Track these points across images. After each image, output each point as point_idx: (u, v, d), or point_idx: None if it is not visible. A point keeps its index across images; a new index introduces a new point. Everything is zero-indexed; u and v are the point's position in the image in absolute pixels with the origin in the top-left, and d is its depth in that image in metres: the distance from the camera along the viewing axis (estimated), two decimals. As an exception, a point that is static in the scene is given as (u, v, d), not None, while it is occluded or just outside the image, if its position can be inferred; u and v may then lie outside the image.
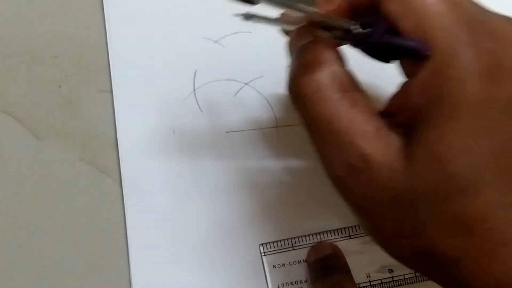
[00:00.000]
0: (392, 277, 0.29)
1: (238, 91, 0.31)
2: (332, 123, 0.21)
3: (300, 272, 0.29)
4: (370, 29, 0.21)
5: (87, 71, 0.30)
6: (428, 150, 0.19)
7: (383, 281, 0.29)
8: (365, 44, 0.21)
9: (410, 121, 0.20)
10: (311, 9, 0.22)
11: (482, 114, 0.19)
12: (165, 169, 0.29)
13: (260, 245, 0.29)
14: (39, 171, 0.29)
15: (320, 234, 0.29)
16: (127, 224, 0.28)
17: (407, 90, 0.20)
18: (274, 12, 0.26)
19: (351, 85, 0.21)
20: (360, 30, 0.21)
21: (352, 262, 0.29)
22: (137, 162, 0.29)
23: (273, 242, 0.29)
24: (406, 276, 0.29)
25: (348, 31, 0.22)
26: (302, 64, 0.22)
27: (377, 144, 0.20)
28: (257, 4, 0.21)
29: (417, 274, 0.29)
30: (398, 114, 0.21)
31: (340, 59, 0.22)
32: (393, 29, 0.20)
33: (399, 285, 0.29)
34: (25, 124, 0.29)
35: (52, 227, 0.28)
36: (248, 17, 0.27)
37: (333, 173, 0.21)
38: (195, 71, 0.31)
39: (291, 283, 0.29)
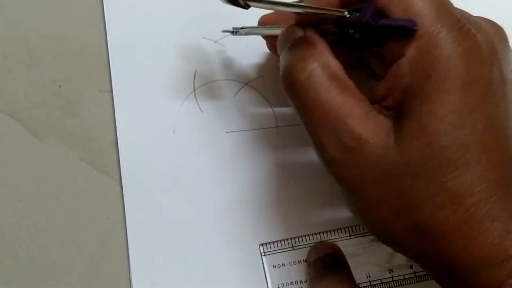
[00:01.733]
0: (392, 277, 0.29)
1: (238, 91, 0.31)
2: (325, 106, 0.22)
3: (300, 272, 0.29)
4: (358, 14, 0.22)
5: (87, 71, 0.30)
6: (418, 123, 0.21)
7: (383, 281, 0.29)
8: (355, 27, 0.23)
9: (400, 101, 0.21)
10: (303, 4, 0.23)
11: (468, 91, 0.20)
12: (165, 169, 0.29)
13: (260, 245, 0.29)
14: (39, 171, 0.29)
15: (320, 234, 0.29)
16: (127, 224, 0.28)
17: (396, 71, 0.22)
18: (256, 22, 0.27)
19: (341, 74, 0.23)
20: (347, 15, 0.23)
21: (352, 262, 0.29)
22: (137, 162, 0.29)
23: (273, 242, 0.29)
24: (406, 276, 0.29)
25: (341, 18, 0.23)
26: (295, 55, 0.23)
27: (368, 124, 0.22)
28: (248, 8, 0.22)
29: (417, 274, 0.29)
30: (388, 97, 0.22)
31: (329, 51, 0.23)
32: (380, 14, 0.22)
33: (399, 285, 0.29)
34: (25, 124, 0.29)
35: (52, 227, 0.28)
36: (236, 32, 0.29)
37: (327, 154, 0.22)
38: (195, 71, 0.31)
39: (291, 283, 0.29)
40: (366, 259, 0.29)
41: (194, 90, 0.30)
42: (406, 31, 0.21)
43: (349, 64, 0.24)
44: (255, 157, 0.30)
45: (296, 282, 0.29)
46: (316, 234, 0.29)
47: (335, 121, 0.22)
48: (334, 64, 0.23)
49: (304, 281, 0.29)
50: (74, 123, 0.29)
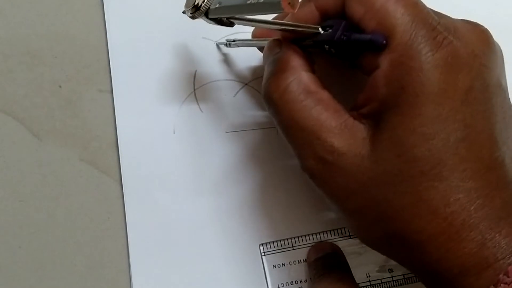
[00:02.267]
0: (392, 276, 0.29)
1: (238, 91, 0.31)
2: (299, 122, 0.23)
3: (300, 272, 0.29)
4: (331, 30, 0.23)
5: (87, 71, 0.30)
6: (392, 135, 0.21)
7: (383, 280, 0.29)
8: (329, 44, 0.23)
9: (376, 111, 0.22)
10: (281, 21, 0.24)
11: (442, 102, 0.20)
12: (165, 169, 0.29)
13: (260, 245, 0.29)
14: (39, 171, 0.29)
15: (320, 234, 0.29)
16: (127, 224, 0.28)
17: (372, 82, 0.22)
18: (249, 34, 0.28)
19: (315, 87, 0.23)
20: (321, 31, 0.24)
21: (352, 261, 0.29)
22: (137, 162, 0.29)
23: (273, 242, 0.29)
24: (406, 276, 0.29)
25: (315, 35, 0.24)
26: (272, 73, 0.24)
27: (342, 136, 0.22)
28: (233, 26, 0.24)
29: (417, 274, 0.29)
30: (365, 106, 0.22)
31: (306, 65, 0.24)
32: (354, 28, 0.23)
33: (399, 284, 0.29)
34: (25, 124, 0.29)
35: (52, 227, 0.28)
36: (229, 44, 0.30)
37: (306, 167, 0.23)
38: (195, 71, 0.31)
39: (291, 283, 0.29)
40: (366, 259, 0.29)
41: (194, 90, 0.31)
42: (376, 46, 0.21)
43: (349, 66, 0.25)
44: (255, 157, 0.30)
45: (296, 282, 0.29)
46: (316, 234, 0.29)
47: (310, 136, 0.23)
48: (308, 78, 0.23)
49: (304, 281, 0.29)
50: (74, 123, 0.29)
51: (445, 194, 0.20)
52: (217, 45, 0.31)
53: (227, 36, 0.31)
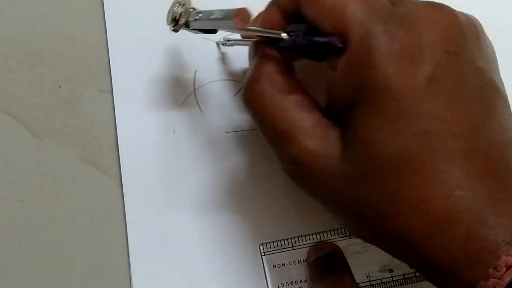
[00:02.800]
0: (392, 276, 0.29)
1: (238, 91, 0.31)
2: (275, 125, 0.23)
3: (300, 272, 0.29)
4: (293, 35, 0.23)
5: (88, 71, 0.30)
6: (357, 135, 0.21)
7: (383, 280, 0.29)
8: (292, 49, 0.23)
9: (341, 110, 0.22)
10: (250, 28, 0.24)
11: (401, 96, 0.20)
12: (165, 169, 0.29)
13: (260, 245, 0.29)
14: (39, 171, 0.29)
15: (320, 234, 0.29)
16: (127, 224, 0.28)
17: (332, 83, 0.22)
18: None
19: (290, 88, 0.23)
20: (287, 37, 0.23)
21: (352, 261, 0.29)
22: (137, 162, 0.29)
23: (273, 242, 0.29)
24: (406, 276, 0.29)
25: (280, 39, 0.24)
26: (249, 75, 0.24)
27: (316, 137, 0.22)
28: (216, 32, 0.25)
29: (417, 274, 0.29)
30: (332, 106, 0.23)
31: (281, 67, 0.24)
32: (315, 31, 0.22)
33: (399, 284, 0.29)
34: (25, 124, 0.29)
35: (52, 227, 0.28)
36: (225, 43, 0.30)
37: (285, 170, 0.23)
38: (195, 71, 0.31)
39: (291, 283, 0.29)
40: (366, 259, 0.29)
41: (194, 90, 0.31)
42: (334, 49, 0.21)
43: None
44: (255, 157, 0.30)
45: (296, 282, 0.29)
46: (316, 234, 0.29)
47: (285, 139, 0.23)
48: (282, 80, 0.23)
49: (304, 281, 0.29)
50: (74, 123, 0.29)
51: (420, 189, 0.19)
52: (217, 44, 0.31)
53: (227, 35, 0.31)
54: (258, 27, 0.24)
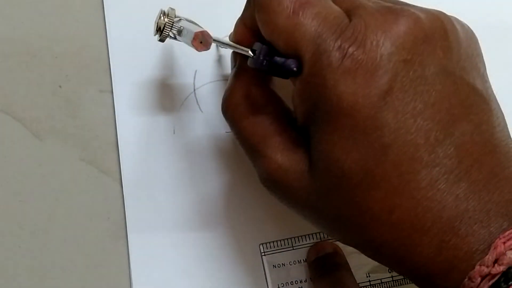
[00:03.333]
0: (392, 276, 0.29)
1: (238, 91, 0.31)
2: (248, 139, 0.23)
3: (300, 272, 0.29)
4: (255, 54, 0.23)
5: (88, 71, 0.30)
6: (318, 150, 0.21)
7: (383, 280, 0.29)
8: (256, 69, 0.23)
9: (303, 126, 0.22)
10: (225, 41, 0.24)
11: (354, 113, 0.19)
12: (165, 169, 0.29)
13: (260, 245, 0.29)
14: (39, 171, 0.29)
15: (320, 234, 0.29)
16: (127, 224, 0.28)
17: (293, 100, 0.22)
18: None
19: (264, 101, 0.23)
20: (251, 55, 0.23)
21: (352, 261, 0.29)
22: (137, 162, 0.29)
23: (273, 242, 0.29)
24: (406, 276, 0.29)
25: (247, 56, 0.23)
26: (226, 89, 0.25)
27: (286, 152, 0.22)
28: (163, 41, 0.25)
29: (417, 273, 0.29)
30: (297, 121, 0.22)
31: (257, 79, 0.24)
32: (275, 51, 0.22)
33: (398, 284, 0.29)
34: (25, 124, 0.29)
35: (52, 227, 0.28)
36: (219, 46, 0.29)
37: (261, 181, 0.24)
38: (195, 71, 0.31)
39: (291, 283, 0.29)
40: (366, 259, 0.29)
41: (194, 90, 0.31)
42: (290, 71, 0.21)
43: None
44: (255, 157, 0.30)
45: (296, 282, 0.29)
46: (316, 234, 0.29)
47: (257, 153, 0.23)
48: (256, 92, 0.24)
49: (304, 281, 0.29)
50: (74, 123, 0.29)
51: (385, 202, 0.19)
52: (216, 45, 0.31)
53: (227, 35, 0.31)
54: (231, 41, 0.25)
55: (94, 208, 0.29)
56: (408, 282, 0.29)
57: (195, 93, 0.30)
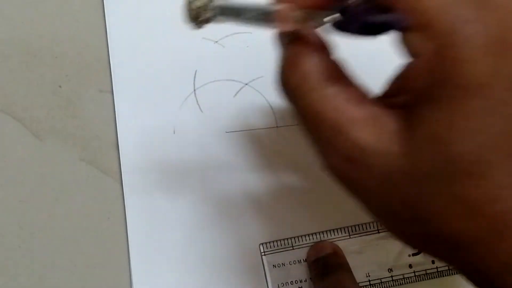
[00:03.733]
0: (392, 276, 0.29)
1: (238, 91, 0.31)
2: (319, 114, 0.20)
3: (300, 272, 0.29)
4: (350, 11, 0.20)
5: (88, 71, 0.30)
6: (429, 131, 0.19)
7: (383, 280, 0.29)
8: (345, 30, 0.20)
9: (412, 103, 0.19)
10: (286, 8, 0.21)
11: (485, 93, 0.18)
12: (165, 169, 0.29)
13: (260, 244, 0.29)
14: (39, 171, 0.29)
15: (320, 234, 0.29)
16: (127, 224, 0.28)
17: (409, 72, 0.20)
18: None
19: (337, 73, 0.21)
20: (341, 18, 0.20)
21: (352, 261, 0.29)
22: (137, 162, 0.29)
23: (273, 241, 0.29)
24: (405, 276, 0.29)
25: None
26: (287, 58, 0.21)
27: (369, 130, 0.19)
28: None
29: (416, 273, 0.29)
30: (399, 96, 0.20)
31: (324, 48, 0.21)
32: (377, 9, 0.19)
33: (398, 284, 0.29)
34: (25, 124, 0.29)
35: (52, 227, 0.28)
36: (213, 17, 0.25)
37: (330, 166, 0.21)
38: (195, 71, 0.31)
39: (291, 283, 0.29)
40: (366, 259, 0.29)
41: (194, 90, 0.31)
42: (398, 28, 0.19)
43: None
44: (255, 157, 0.30)
45: (296, 282, 0.29)
46: (316, 233, 0.29)
47: (333, 129, 0.20)
48: (328, 63, 0.21)
49: (304, 281, 0.29)
50: (74, 123, 0.29)
51: (491, 192, 0.18)
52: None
53: (227, 35, 0.31)
54: (300, 14, 0.21)
55: (94, 208, 0.29)
56: (408, 282, 0.29)
57: (195, 93, 0.30)
